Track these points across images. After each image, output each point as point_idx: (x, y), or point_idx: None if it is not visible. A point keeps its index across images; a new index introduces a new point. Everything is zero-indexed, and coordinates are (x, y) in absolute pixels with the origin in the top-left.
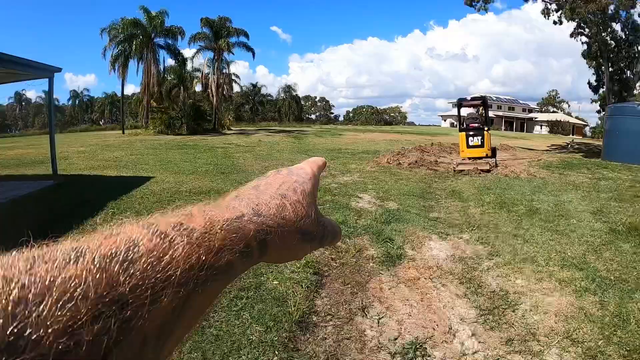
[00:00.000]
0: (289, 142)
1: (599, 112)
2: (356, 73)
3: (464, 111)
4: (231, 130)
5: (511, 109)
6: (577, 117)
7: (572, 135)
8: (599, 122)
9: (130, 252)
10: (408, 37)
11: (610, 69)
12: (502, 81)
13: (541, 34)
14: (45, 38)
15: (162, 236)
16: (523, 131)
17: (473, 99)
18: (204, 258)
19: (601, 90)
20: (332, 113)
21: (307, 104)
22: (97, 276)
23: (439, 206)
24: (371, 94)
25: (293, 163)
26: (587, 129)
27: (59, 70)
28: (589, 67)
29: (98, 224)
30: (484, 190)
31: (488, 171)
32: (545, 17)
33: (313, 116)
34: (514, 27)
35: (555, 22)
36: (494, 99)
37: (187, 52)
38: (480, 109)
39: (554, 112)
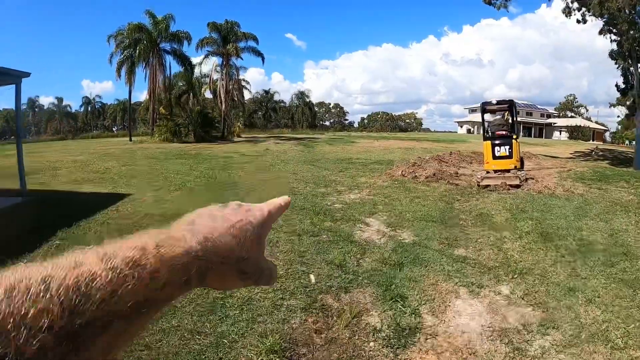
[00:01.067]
0: (298, 150)
1: (627, 116)
2: (371, 79)
3: (488, 117)
4: (241, 137)
5: (529, 114)
6: (596, 122)
7: (593, 140)
8: (619, 127)
9: (89, 286)
10: (422, 42)
11: None
12: (518, 86)
13: (556, 37)
14: (65, 46)
15: (118, 272)
16: (542, 137)
17: (499, 102)
18: (150, 294)
19: (630, 93)
20: (347, 119)
21: (320, 110)
22: (62, 309)
23: (465, 237)
24: (386, 100)
25: (296, 176)
26: (607, 134)
27: (27, 75)
28: (618, 67)
29: (34, 259)
30: (518, 213)
31: (518, 186)
32: (566, 16)
33: (327, 123)
34: (528, 32)
35: (578, 21)
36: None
37: (198, 59)
38: (506, 114)
39: (572, 117)
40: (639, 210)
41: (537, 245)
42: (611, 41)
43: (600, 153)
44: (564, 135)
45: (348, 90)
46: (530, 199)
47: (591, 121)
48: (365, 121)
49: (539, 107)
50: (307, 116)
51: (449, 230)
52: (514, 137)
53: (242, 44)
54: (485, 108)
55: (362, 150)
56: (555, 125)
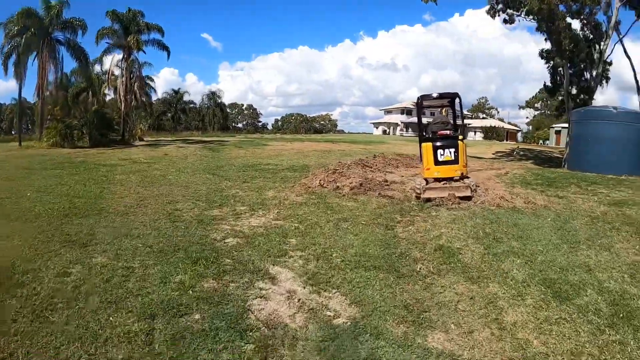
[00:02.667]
0: (202, 155)
1: (556, 116)
2: (286, 82)
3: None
4: (143, 141)
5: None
6: (509, 123)
7: (506, 140)
8: (530, 127)
9: None
10: (338, 46)
11: (570, 71)
12: (430, 90)
13: (468, 45)
14: None
15: None
16: None
17: (441, 95)
18: None
19: (558, 93)
20: (260, 121)
21: (233, 111)
22: None
23: (436, 303)
24: (301, 102)
25: (186, 191)
26: (519, 134)
27: None
28: (548, 67)
29: None
30: (492, 243)
31: (469, 198)
32: (492, 17)
33: (240, 125)
34: (442, 39)
35: (505, 21)
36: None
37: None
38: (444, 110)
39: (483, 118)
40: (630, 228)
41: (552, 311)
42: (545, 39)
43: (522, 153)
44: (479, 136)
45: (263, 92)
46: (493, 217)
47: (504, 122)
48: (280, 123)
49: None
50: (218, 118)
51: (406, 287)
52: (460, 137)
53: (145, 37)
54: (422, 102)
55: (274, 154)
56: (470, 126)
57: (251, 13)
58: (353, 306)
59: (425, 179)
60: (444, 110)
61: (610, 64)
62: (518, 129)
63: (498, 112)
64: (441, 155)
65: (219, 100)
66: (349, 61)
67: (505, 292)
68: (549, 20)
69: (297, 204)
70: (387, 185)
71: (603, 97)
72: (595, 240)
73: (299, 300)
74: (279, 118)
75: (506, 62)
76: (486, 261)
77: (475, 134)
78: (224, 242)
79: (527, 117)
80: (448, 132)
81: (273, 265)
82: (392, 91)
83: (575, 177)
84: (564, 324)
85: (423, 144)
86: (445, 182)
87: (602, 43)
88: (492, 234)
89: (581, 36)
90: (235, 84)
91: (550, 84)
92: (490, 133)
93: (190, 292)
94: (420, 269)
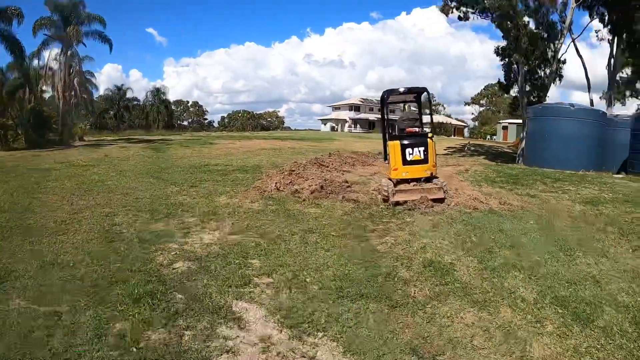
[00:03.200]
0: (145, 156)
1: (510, 112)
2: (233, 78)
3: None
4: (83, 141)
5: (392, 111)
6: (456, 119)
7: (454, 136)
8: (476, 123)
9: None
10: (285, 43)
11: (525, 68)
12: (377, 86)
13: (414, 43)
14: None
15: None
16: None
17: (410, 90)
18: None
19: (512, 89)
20: (206, 119)
21: (178, 109)
22: None
23: (445, 338)
24: (247, 99)
25: (126, 199)
26: (465, 130)
27: None
28: (503, 64)
29: None
30: (483, 255)
31: (442, 200)
32: (445, 15)
33: (185, 122)
34: (388, 36)
35: (460, 18)
36: (375, 101)
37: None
38: (407, 106)
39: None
40: (614, 229)
41: (578, 337)
42: (503, 37)
43: (473, 148)
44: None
45: (209, 89)
46: (474, 222)
47: (452, 118)
48: (226, 120)
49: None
50: (163, 115)
51: (405, 320)
52: (430, 135)
53: (86, 28)
54: (388, 97)
55: (222, 154)
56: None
57: (197, 8)
58: (349, 356)
59: (391, 179)
60: (406, 106)
61: (564, 62)
62: (465, 124)
63: (444, 109)
64: (410, 154)
65: (164, 97)
66: (296, 58)
67: (521, 319)
68: (508, 18)
69: (254, 213)
70: (349, 186)
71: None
72: (588, 245)
73: (278, 353)
74: (226, 115)
75: (452, 60)
76: (486, 278)
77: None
78: (173, 269)
79: (472, 114)
80: (417, 129)
81: (237, 299)
82: (339, 88)
83: (536, 174)
84: (596, 353)
85: (390, 142)
86: (415, 183)
87: (556, 42)
88: (481, 243)
89: (537, 35)
90: (181, 80)
91: (504, 81)
92: (438, 129)
93: (134, 349)
94: (414, 293)
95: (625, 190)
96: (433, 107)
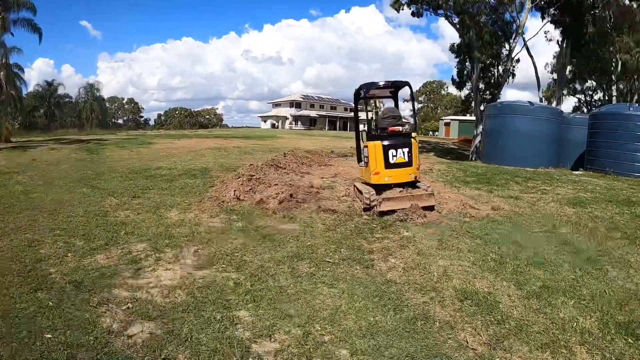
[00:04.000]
0: (78, 159)
1: (463, 110)
2: (169, 74)
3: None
4: (10, 142)
5: (333, 108)
6: None
7: None
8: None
9: None
10: (223, 38)
11: (480, 66)
12: (315, 83)
13: (352, 40)
14: None
15: None
16: (347, 130)
17: (393, 84)
18: None
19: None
20: (142, 117)
21: (113, 106)
22: None
23: None
24: (184, 96)
25: (53, 220)
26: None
27: None
28: (458, 61)
29: None
30: (518, 278)
31: (432, 208)
32: (397, 10)
33: (120, 120)
34: (327, 34)
35: (413, 14)
36: (316, 98)
37: None
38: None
39: (369, 110)
40: (619, 234)
41: None
42: (460, 35)
43: (420, 145)
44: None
45: (145, 85)
46: (482, 234)
47: None
48: (163, 118)
49: (342, 101)
50: (97, 113)
51: None
52: (413, 134)
53: (14, 16)
54: (366, 92)
55: (164, 155)
56: (360, 118)
57: (133, 0)
58: None
59: (370, 185)
60: (377, 102)
61: (518, 61)
62: (406, 120)
63: (383, 105)
64: (393, 156)
65: (98, 94)
66: (234, 54)
67: (601, 359)
68: (468, 14)
69: (218, 233)
70: (317, 192)
71: None
72: (608, 255)
73: None
74: (162, 113)
75: (389, 58)
76: (537, 310)
77: (364, 126)
78: (128, 340)
79: (410, 110)
80: (400, 128)
81: None
82: (277, 84)
83: (504, 172)
84: None
85: (369, 143)
86: (401, 189)
87: (511, 41)
88: (504, 261)
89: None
90: (116, 76)
91: (457, 78)
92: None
93: None
94: (470, 342)
95: (597, 188)
96: (371, 104)
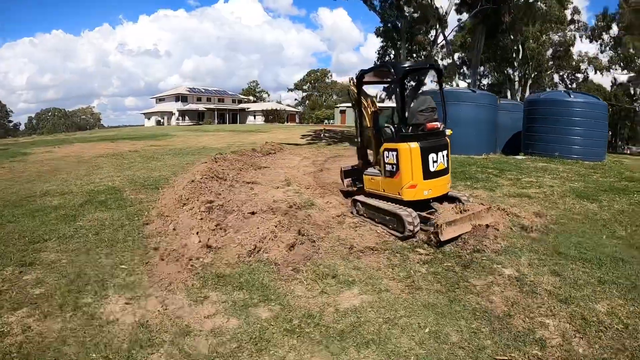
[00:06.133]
0: None
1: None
2: (38, 72)
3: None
4: None
5: (221, 100)
6: (288, 105)
7: (287, 122)
8: (304, 108)
9: None
10: (96, 31)
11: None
12: (193, 76)
13: (231, 31)
14: None
15: None
16: (237, 122)
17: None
18: None
19: None
20: (11, 121)
21: None
22: None
23: None
24: (56, 95)
25: None
26: (297, 116)
27: None
28: (384, 45)
29: None
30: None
31: (488, 226)
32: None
33: None
34: (205, 24)
35: None
36: (203, 90)
37: None
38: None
39: (254, 101)
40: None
41: None
42: (381, 21)
43: (328, 135)
44: (260, 119)
45: (11, 85)
46: (576, 252)
47: (284, 105)
48: (34, 121)
49: (230, 93)
50: None
51: None
52: (448, 132)
53: None
54: (397, 71)
55: (47, 170)
56: (249, 110)
57: None
58: None
59: (402, 200)
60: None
61: (442, 47)
62: (297, 110)
63: (269, 95)
64: (434, 162)
65: None
66: (108, 47)
67: None
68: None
69: (237, 351)
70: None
71: None
72: None
73: None
74: (33, 115)
75: (268, 48)
76: None
77: (255, 118)
78: None
79: (295, 99)
80: (438, 124)
81: None
82: (154, 78)
83: (470, 164)
84: None
85: (400, 146)
86: (443, 204)
87: (437, 28)
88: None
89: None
90: None
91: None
92: (271, 116)
93: None
94: None
95: (576, 176)
96: (257, 94)
